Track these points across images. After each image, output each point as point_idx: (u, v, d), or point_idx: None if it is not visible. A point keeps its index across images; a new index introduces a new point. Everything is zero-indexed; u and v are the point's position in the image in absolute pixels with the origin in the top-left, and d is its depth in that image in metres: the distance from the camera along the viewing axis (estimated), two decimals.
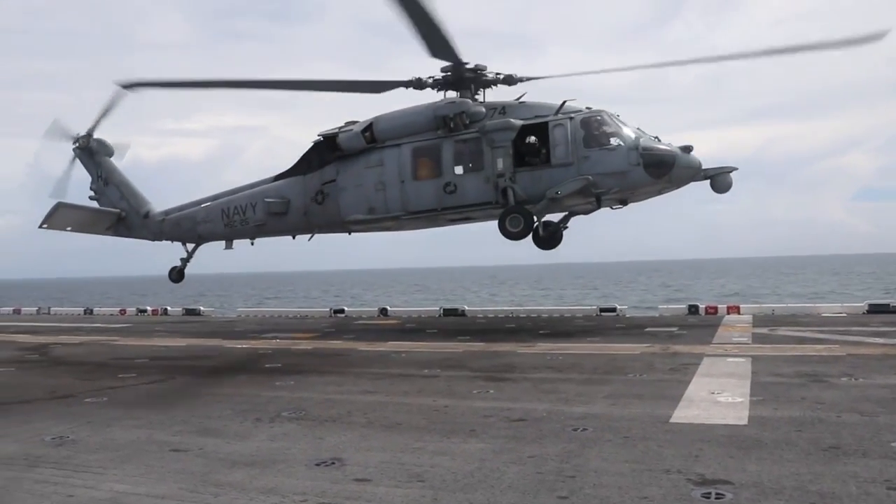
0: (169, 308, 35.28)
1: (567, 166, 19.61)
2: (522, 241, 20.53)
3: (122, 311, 35.67)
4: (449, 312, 28.02)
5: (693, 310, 24.99)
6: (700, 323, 21.88)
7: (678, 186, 20.17)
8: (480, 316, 27.50)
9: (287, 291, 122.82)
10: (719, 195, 20.14)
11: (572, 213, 22.61)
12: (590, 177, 19.30)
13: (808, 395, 10.36)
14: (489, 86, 21.47)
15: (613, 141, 19.57)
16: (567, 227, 23.00)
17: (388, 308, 30.35)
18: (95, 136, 27.36)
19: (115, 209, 27.07)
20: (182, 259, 26.31)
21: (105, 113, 26.27)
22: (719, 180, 19.93)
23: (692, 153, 19.54)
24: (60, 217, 26.08)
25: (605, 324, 22.78)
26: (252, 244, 25.29)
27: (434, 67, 20.67)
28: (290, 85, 22.57)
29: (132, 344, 21.49)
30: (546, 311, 27.55)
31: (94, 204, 27.50)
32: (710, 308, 24.96)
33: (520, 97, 21.24)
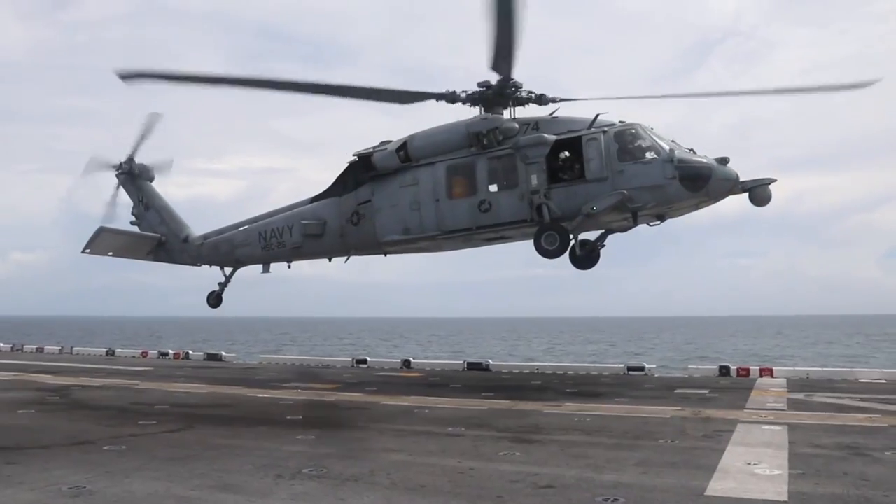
0: (191, 352, 35.29)
1: (601, 181, 19.03)
2: (559, 258, 19.84)
3: (144, 354, 35.78)
4: (473, 366, 27.55)
5: (724, 371, 24.28)
6: (732, 385, 21.22)
7: (716, 200, 19.44)
8: (505, 371, 27.00)
9: (304, 338, 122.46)
10: (759, 207, 19.03)
11: (609, 231, 21.83)
12: (625, 191, 18.68)
13: (851, 469, 9.90)
14: (523, 104, 21.09)
15: (648, 154, 18.97)
16: (604, 246, 22.25)
17: (411, 360, 30.10)
18: (137, 160, 27.70)
19: (156, 234, 27.09)
20: (220, 284, 26.18)
21: (143, 137, 27.02)
22: (758, 193, 18.96)
23: (729, 164, 18.74)
24: (102, 242, 25.87)
25: (633, 383, 22.18)
26: (289, 267, 25.04)
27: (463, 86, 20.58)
28: (312, 88, 21.19)
29: (153, 388, 21.37)
30: (572, 369, 26.94)
31: (135, 229, 27.60)
32: (742, 370, 24.21)
33: (553, 112, 20.94)
